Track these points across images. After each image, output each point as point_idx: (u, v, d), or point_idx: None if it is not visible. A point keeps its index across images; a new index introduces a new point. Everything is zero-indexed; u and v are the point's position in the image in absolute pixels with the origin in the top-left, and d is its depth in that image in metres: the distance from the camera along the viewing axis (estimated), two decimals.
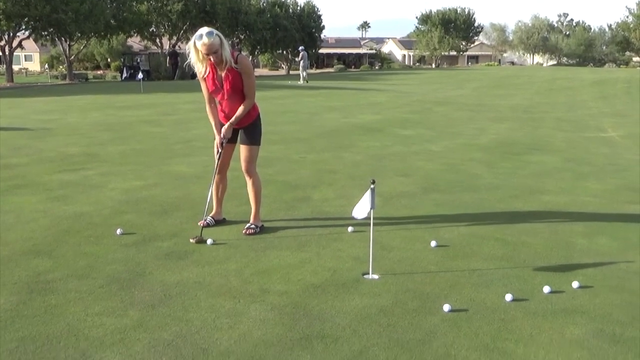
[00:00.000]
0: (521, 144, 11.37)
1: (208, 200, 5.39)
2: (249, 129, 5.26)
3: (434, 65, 77.82)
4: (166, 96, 21.95)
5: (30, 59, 68.33)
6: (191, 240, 4.98)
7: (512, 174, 8.25)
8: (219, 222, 5.48)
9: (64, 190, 6.79)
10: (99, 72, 56.30)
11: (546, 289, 4.06)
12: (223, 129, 5.17)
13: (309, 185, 7.25)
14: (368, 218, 4.28)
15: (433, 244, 5.01)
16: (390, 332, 3.45)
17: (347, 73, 54.07)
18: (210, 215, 5.53)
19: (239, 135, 5.30)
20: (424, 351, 3.24)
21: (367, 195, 4.16)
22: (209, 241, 4.95)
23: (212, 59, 4.89)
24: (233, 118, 5.12)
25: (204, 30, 4.79)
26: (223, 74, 5.00)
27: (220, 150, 5.27)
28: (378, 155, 9.63)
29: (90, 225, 5.43)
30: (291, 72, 42.00)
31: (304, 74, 33.14)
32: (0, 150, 9.51)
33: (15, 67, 43.76)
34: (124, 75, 42.05)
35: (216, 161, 5.35)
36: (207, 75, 5.04)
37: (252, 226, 5.33)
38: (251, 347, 3.26)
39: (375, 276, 4.29)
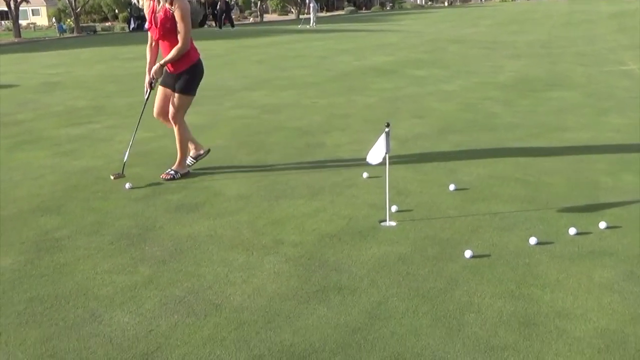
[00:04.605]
0: (540, 80, 11.01)
1: (126, 156, 5.38)
2: (182, 76, 5.15)
3: (446, 4, 76.07)
4: None
5: (37, 13, 67.58)
6: (111, 177, 5.19)
7: (531, 112, 7.98)
8: (199, 156, 5.44)
9: (71, 144, 6.66)
10: (107, 24, 55.68)
11: (572, 231, 3.89)
12: (153, 69, 5.13)
13: (321, 130, 7.05)
14: (383, 163, 4.10)
15: (452, 187, 4.83)
16: (409, 281, 3.30)
17: (357, 15, 52.94)
18: (191, 156, 5.46)
19: (174, 80, 5.19)
20: (445, 300, 3.10)
21: (382, 139, 3.97)
22: (127, 185, 5.04)
23: None
24: (163, 60, 5.07)
25: None
26: (158, 14, 4.97)
27: (149, 91, 5.25)
28: (391, 97, 9.37)
29: (98, 180, 5.31)
30: (301, 17, 41.11)
31: (314, 18, 32.54)
32: (7, 106, 9.38)
33: (23, 22, 43.36)
34: (132, 25, 41.32)
35: (144, 102, 5.35)
36: (149, 14, 5.06)
37: (171, 172, 5.29)
38: (265, 301, 3.13)
39: (393, 223, 4.13)
